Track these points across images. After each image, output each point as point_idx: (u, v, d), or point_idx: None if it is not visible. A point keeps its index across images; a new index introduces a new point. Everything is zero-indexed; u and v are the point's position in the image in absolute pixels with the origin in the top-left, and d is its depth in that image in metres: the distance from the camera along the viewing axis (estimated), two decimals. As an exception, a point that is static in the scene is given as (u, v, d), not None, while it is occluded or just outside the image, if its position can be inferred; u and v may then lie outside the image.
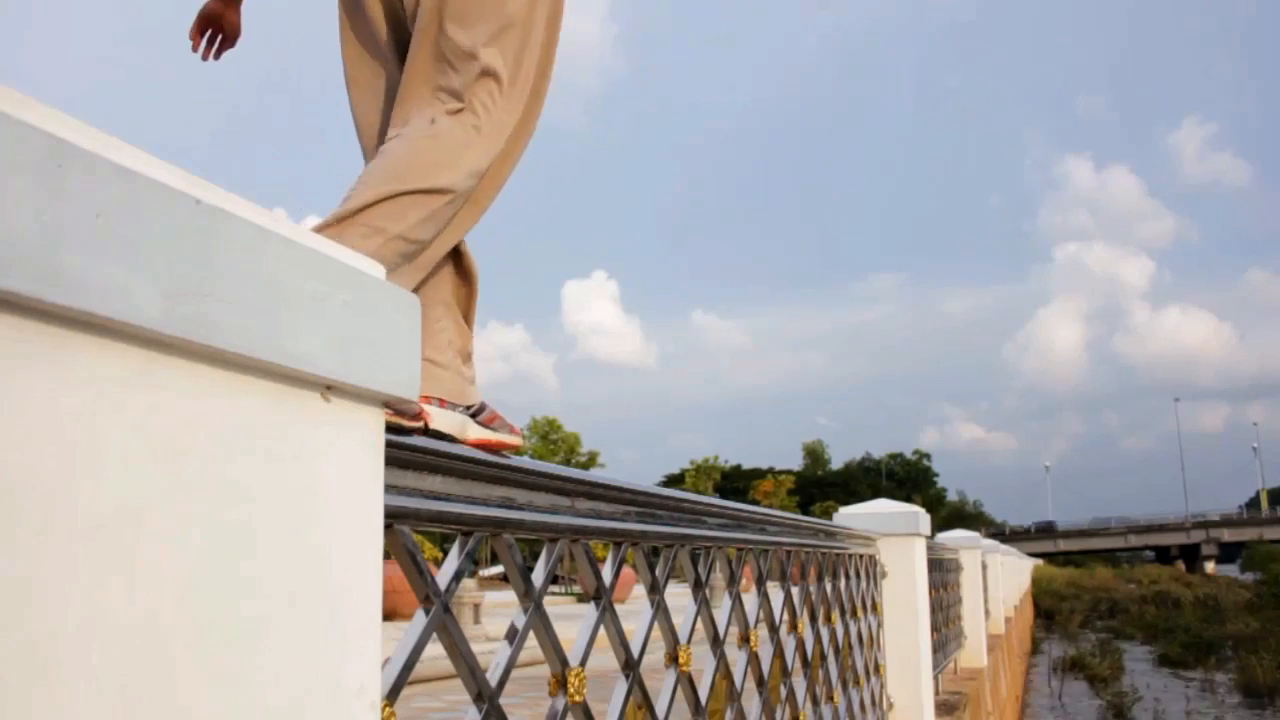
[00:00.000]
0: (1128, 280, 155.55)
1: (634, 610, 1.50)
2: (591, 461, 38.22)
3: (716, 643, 1.62)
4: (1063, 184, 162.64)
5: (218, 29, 1.79)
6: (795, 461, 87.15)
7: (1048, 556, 57.73)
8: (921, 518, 3.40)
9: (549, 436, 38.45)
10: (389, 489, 0.72)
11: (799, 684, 2.16)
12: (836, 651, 2.53)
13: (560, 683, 1.06)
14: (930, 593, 4.01)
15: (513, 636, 0.99)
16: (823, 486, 73.40)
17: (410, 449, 0.81)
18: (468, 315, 1.53)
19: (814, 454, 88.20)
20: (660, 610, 1.38)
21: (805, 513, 14.11)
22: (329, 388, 0.58)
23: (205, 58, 1.78)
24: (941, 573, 5.18)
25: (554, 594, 19.02)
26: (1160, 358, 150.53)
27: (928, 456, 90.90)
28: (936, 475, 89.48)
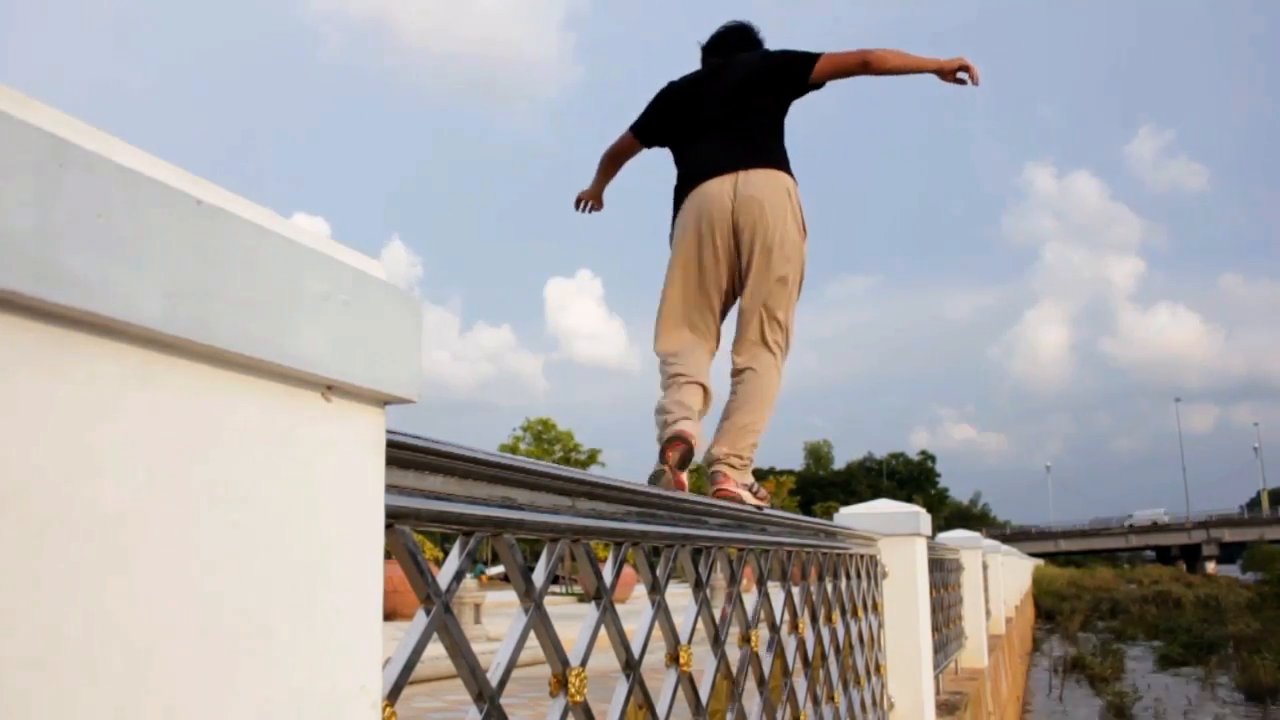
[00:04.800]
0: (1113, 282, 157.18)
1: (635, 610, 1.50)
2: (591, 459, 38.10)
3: (717, 643, 1.62)
4: (1035, 190, 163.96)
5: (589, 201, 3.47)
6: (796, 462, 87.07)
7: (1048, 557, 57.69)
8: (922, 518, 3.40)
9: (543, 436, 38.29)
10: (390, 489, 0.72)
11: (800, 684, 2.16)
12: (837, 651, 2.53)
13: (561, 683, 1.06)
14: (931, 593, 4.01)
15: (514, 636, 0.98)
16: (824, 487, 73.31)
17: (411, 449, 0.81)
18: None
19: (816, 454, 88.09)
20: (661, 610, 1.38)
21: (806, 513, 14.10)
22: (330, 388, 0.58)
23: (580, 210, 3.50)
24: (942, 573, 5.18)
25: (554, 594, 19.00)
26: (1154, 359, 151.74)
27: (932, 457, 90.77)
28: (938, 475, 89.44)
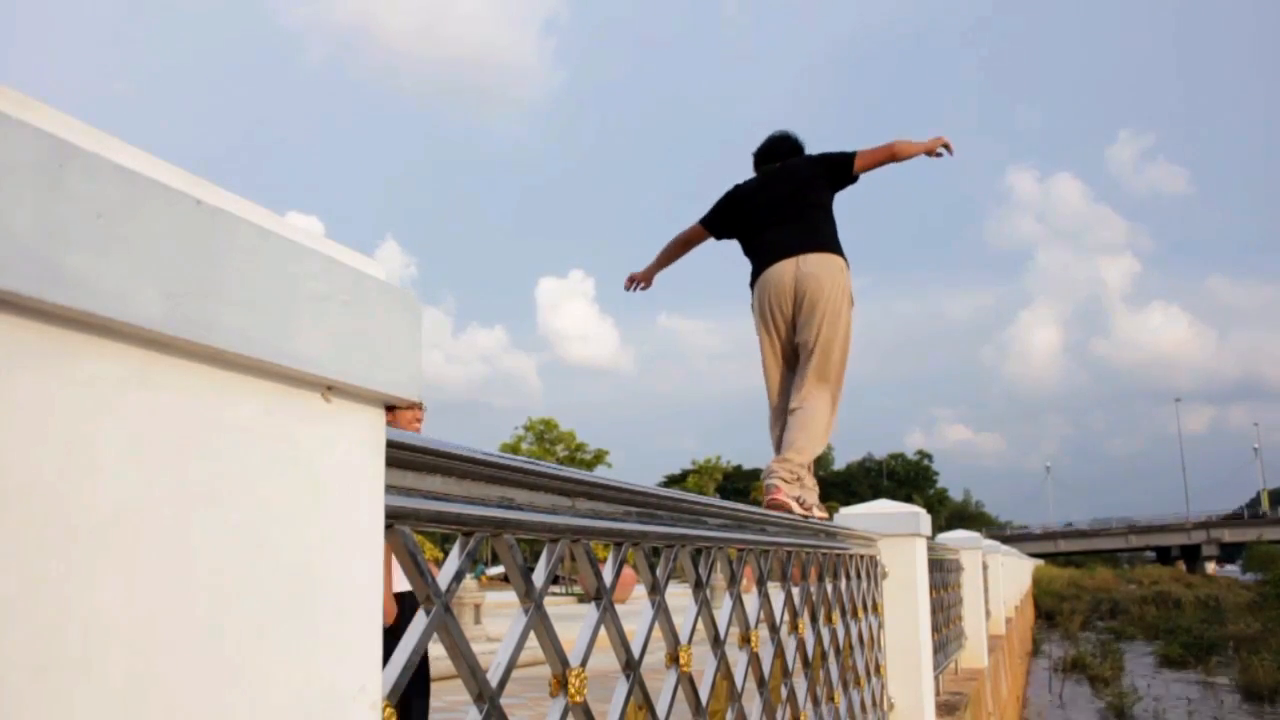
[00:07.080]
0: (1104, 283, 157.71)
1: (634, 610, 1.50)
2: (598, 459, 37.93)
3: (717, 643, 1.62)
4: (1022, 193, 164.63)
5: (640, 282, 4.13)
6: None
7: (1048, 557, 57.65)
8: (922, 518, 3.40)
9: (545, 436, 38.11)
10: (389, 489, 0.72)
11: (800, 684, 2.16)
12: (837, 652, 2.53)
13: (561, 683, 1.06)
14: (931, 593, 4.01)
15: (514, 637, 0.98)
16: (823, 487, 73.09)
17: (411, 449, 0.81)
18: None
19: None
20: (661, 611, 1.38)
21: (806, 513, 14.03)
22: (329, 388, 0.58)
23: (629, 291, 4.17)
24: (942, 573, 5.18)
25: (554, 594, 18.99)
26: (1148, 360, 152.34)
27: (929, 457, 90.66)
28: (937, 475, 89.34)
